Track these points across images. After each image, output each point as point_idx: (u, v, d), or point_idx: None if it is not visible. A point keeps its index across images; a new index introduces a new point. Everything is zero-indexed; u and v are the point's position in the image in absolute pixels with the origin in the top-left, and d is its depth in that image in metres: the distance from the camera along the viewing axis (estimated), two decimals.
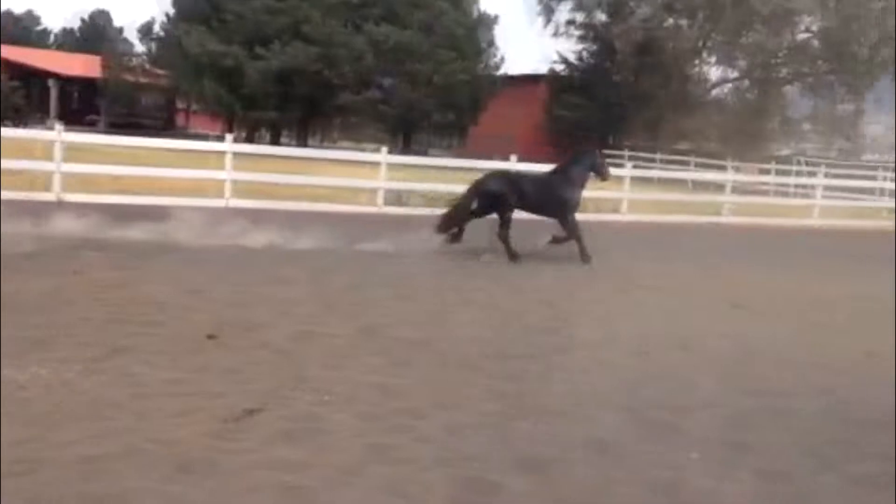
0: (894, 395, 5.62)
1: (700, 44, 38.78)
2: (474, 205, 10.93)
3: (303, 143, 37.66)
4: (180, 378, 5.00)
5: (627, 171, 18.14)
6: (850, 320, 8.37)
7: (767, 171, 29.82)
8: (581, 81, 40.54)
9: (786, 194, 26.02)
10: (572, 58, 42.11)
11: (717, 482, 4.04)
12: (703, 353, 6.53)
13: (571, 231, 10.99)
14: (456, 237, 10.91)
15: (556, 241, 11.06)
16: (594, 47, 41.19)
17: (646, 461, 4.24)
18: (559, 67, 42.34)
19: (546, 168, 12.36)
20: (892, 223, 19.22)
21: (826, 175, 21.87)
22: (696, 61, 39.95)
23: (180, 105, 46.26)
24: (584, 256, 10.82)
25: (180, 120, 47.78)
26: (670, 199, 19.17)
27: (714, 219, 17.78)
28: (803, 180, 24.85)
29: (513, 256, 10.58)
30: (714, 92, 41.15)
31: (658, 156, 33.49)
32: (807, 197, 22.14)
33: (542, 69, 42.57)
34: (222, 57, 34.35)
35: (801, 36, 37.20)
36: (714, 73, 40.67)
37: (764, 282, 10.41)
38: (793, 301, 9.20)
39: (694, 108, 38.82)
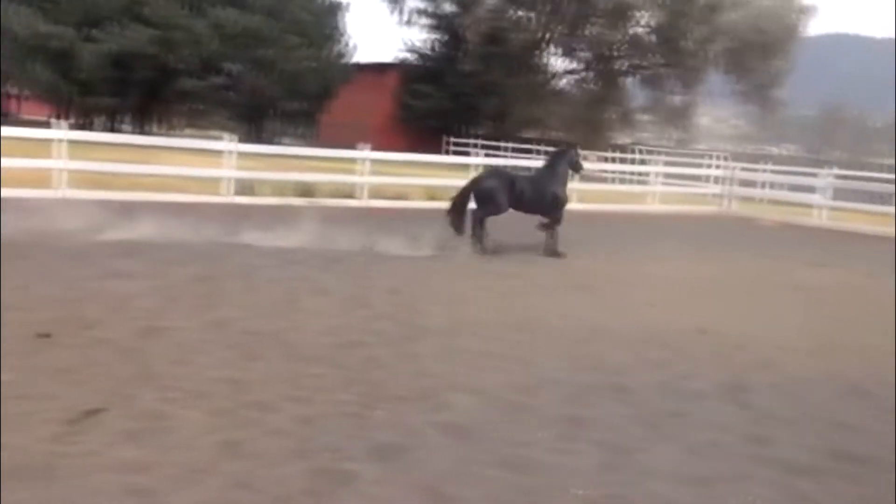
0: (726, 368, 6.04)
1: (543, 36, 39.95)
2: (471, 203, 11.30)
3: (143, 131, 36.05)
4: (11, 380, 4.69)
5: (475, 159, 18.47)
6: (684, 298, 8.89)
7: (608, 159, 31.14)
8: (431, 71, 40.92)
9: (625, 181, 27.25)
10: (422, 47, 42.44)
11: (562, 456, 4.21)
12: (546, 334, 6.77)
13: (555, 224, 11.46)
14: (459, 229, 11.15)
15: (543, 227, 11.44)
16: (444, 37, 41.66)
17: (497, 441, 4.36)
18: (409, 57, 42.57)
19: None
20: (718, 208, 20.56)
21: (662, 163, 23.08)
22: (541, 53, 41.14)
23: (11, 90, 43.19)
24: (554, 251, 11.22)
25: (11, 106, 44.61)
26: None
27: None
28: (641, 168, 26.11)
29: (484, 250, 10.89)
30: (558, 83, 42.55)
31: (506, 144, 34.29)
32: (645, 184, 23.29)
33: (395, 58, 42.74)
34: (52, 39, 32.35)
35: (637, 30, 39.01)
36: (558, 64, 42.05)
37: (604, 265, 10.89)
38: (631, 282, 9.68)
39: (539, 98, 40.01)
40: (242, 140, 16.96)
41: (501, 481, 3.89)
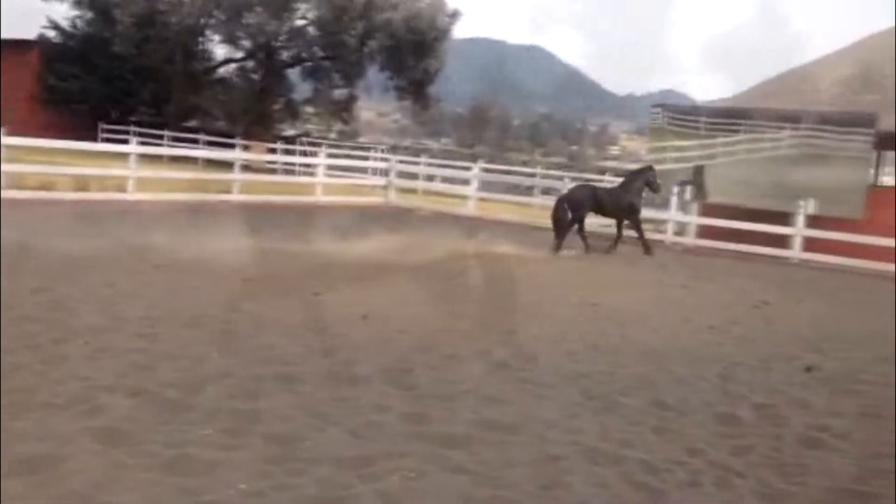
0: (389, 352, 6.31)
1: (202, 21, 38.64)
2: (568, 215, 14.11)
3: None
4: None
5: (133, 147, 17.41)
6: (349, 286, 9.10)
7: (275, 151, 31.03)
8: (77, 51, 37.69)
9: (292, 173, 27.34)
10: (66, 24, 38.89)
11: (227, 452, 4.12)
12: (213, 328, 6.59)
13: (638, 229, 14.79)
14: (559, 246, 13.87)
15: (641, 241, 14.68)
16: (90, 15, 38.56)
17: (157, 443, 4.15)
18: (51, 34, 38.81)
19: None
20: (381, 199, 21.41)
21: (327, 155, 23.49)
22: (201, 38, 39.76)
23: None
24: (647, 249, 14.52)
25: None
26: (180, 177, 18.90)
27: (225, 196, 17.95)
28: (307, 160, 26.37)
29: (588, 248, 14.09)
30: (220, 70, 41.43)
31: (167, 132, 32.73)
32: (311, 175, 23.55)
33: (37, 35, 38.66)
34: None
35: (299, 22, 39.21)
36: (219, 52, 40.93)
37: (270, 254, 10.83)
38: (300, 271, 9.71)
39: (201, 85, 38.70)
40: None
41: (162, 484, 3.72)
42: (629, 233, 14.87)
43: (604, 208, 14.65)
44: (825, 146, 16.76)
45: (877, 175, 18.58)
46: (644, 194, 15.09)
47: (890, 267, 14.31)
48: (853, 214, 16.04)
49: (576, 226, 14.36)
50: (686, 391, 5.99)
